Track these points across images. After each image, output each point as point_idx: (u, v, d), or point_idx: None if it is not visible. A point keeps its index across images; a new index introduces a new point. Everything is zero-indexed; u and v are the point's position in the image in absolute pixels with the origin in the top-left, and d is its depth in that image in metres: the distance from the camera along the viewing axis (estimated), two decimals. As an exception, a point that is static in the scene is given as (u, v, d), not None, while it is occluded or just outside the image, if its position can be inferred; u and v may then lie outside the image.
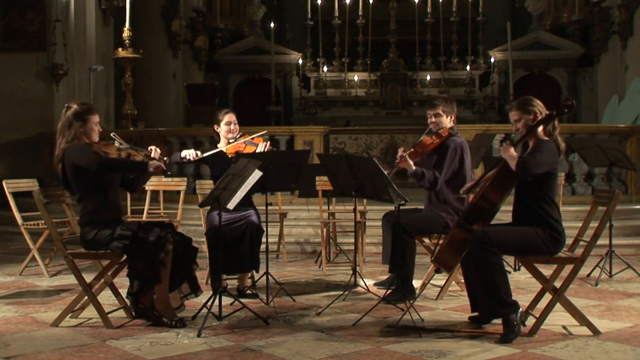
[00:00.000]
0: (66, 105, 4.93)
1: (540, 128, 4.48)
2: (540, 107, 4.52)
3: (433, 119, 5.64)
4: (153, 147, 4.93)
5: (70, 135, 4.77)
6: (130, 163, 4.83)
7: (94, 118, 4.84)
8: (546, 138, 4.47)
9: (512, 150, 4.38)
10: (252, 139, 5.81)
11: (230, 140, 5.80)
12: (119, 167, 4.86)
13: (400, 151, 5.46)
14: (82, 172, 4.72)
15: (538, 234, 4.41)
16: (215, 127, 5.85)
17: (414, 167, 5.40)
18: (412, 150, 5.51)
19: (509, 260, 6.33)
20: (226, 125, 5.80)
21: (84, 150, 4.72)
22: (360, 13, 16.53)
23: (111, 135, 4.95)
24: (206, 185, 6.25)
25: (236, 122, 5.84)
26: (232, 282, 5.69)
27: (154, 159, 4.79)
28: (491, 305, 4.33)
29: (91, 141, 4.80)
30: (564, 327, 4.56)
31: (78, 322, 4.80)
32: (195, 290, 4.86)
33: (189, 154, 5.65)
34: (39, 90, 10.85)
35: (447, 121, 5.63)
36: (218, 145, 5.87)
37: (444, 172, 5.48)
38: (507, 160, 4.39)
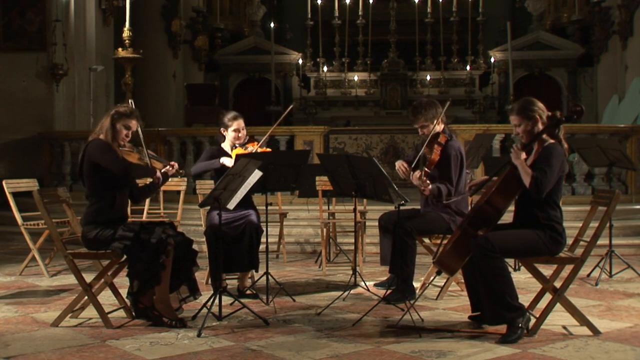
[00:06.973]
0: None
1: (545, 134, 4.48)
2: (540, 111, 4.48)
3: (421, 131, 5.56)
4: (174, 163, 4.96)
5: (99, 129, 4.80)
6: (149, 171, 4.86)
7: (127, 121, 4.81)
8: (551, 141, 4.45)
9: (523, 156, 4.36)
10: (262, 148, 5.78)
11: (237, 144, 5.76)
12: (140, 173, 4.90)
13: (416, 175, 5.35)
14: (99, 171, 4.71)
15: (539, 236, 4.39)
16: (222, 130, 5.79)
17: (430, 187, 5.35)
18: (426, 170, 5.39)
19: (509, 260, 6.32)
20: (234, 132, 5.73)
21: (108, 151, 4.70)
22: (360, 13, 16.54)
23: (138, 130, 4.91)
24: (206, 185, 6.25)
25: (244, 127, 5.77)
26: (232, 282, 5.70)
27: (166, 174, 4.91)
28: (497, 310, 4.31)
29: (114, 142, 4.78)
30: (564, 327, 4.56)
31: (78, 322, 4.79)
32: (194, 292, 4.85)
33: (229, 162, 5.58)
34: (39, 90, 10.85)
35: (435, 126, 5.52)
36: (222, 146, 5.84)
37: (454, 182, 5.44)
38: (519, 169, 4.34)
